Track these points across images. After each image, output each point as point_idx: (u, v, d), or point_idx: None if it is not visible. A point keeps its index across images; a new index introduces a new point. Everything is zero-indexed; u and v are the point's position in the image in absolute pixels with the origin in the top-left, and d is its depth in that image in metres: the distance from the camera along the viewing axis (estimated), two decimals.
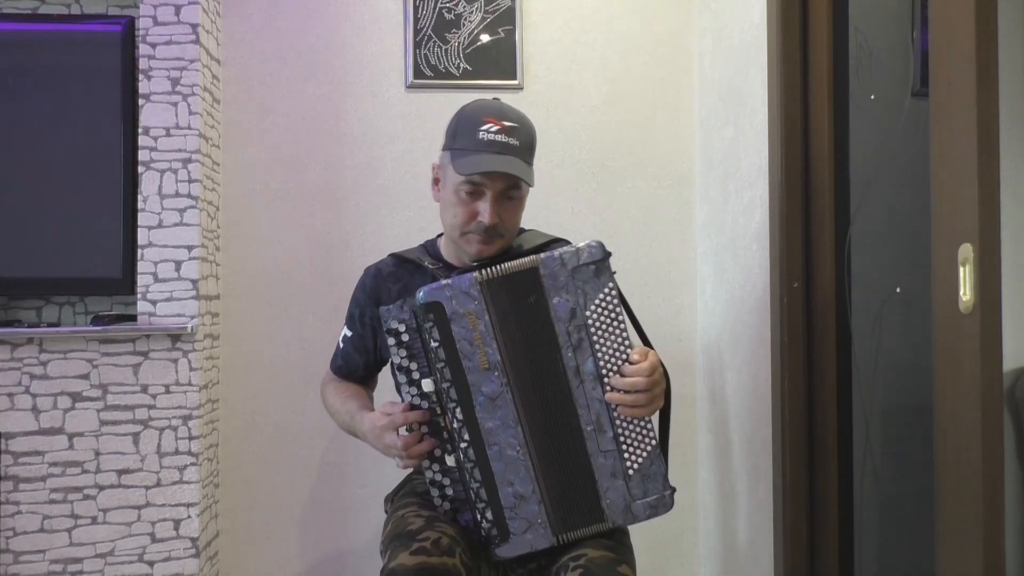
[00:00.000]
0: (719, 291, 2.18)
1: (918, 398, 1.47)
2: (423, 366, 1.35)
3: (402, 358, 1.35)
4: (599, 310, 1.33)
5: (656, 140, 2.38)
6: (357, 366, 1.66)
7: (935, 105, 1.20)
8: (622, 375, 1.33)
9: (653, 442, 1.35)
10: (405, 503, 1.48)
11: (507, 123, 1.48)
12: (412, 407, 1.36)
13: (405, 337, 1.35)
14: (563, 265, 1.33)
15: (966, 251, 1.11)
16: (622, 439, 1.34)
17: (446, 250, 1.61)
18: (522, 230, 1.67)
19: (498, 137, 1.46)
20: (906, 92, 1.57)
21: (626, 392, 1.32)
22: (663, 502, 1.35)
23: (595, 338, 1.33)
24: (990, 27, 1.11)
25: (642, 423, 1.35)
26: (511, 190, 1.48)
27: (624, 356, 1.33)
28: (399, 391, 1.44)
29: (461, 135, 1.50)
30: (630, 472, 1.34)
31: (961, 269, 1.11)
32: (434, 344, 1.32)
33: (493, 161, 1.44)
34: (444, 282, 1.33)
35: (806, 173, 1.79)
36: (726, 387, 2.14)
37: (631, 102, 2.38)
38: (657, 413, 1.40)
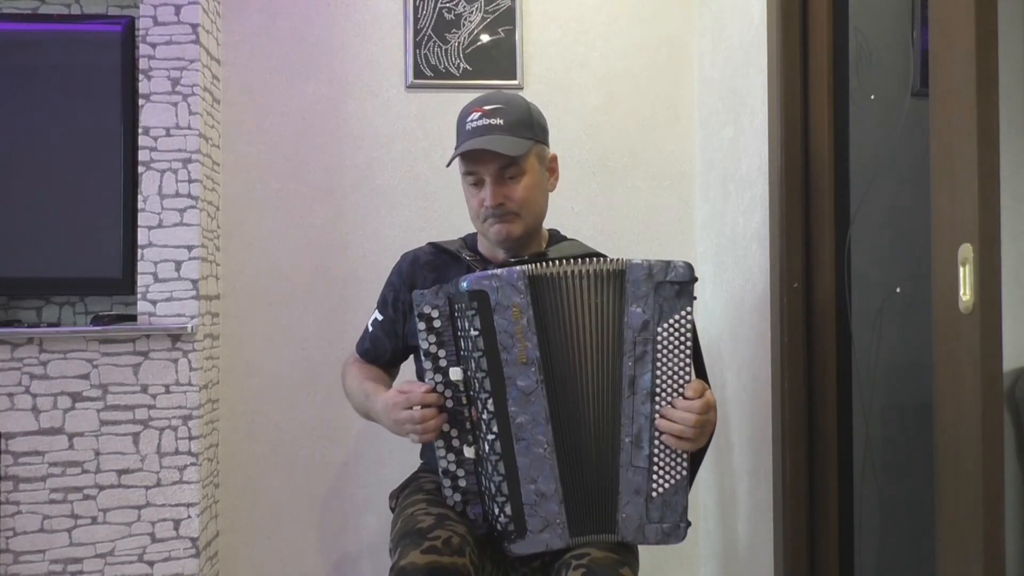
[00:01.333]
0: (719, 291, 2.18)
1: (918, 398, 1.47)
2: (451, 354, 1.35)
3: (431, 344, 1.35)
4: (671, 329, 1.33)
5: (656, 140, 2.38)
6: (385, 351, 1.66)
7: (935, 105, 1.20)
8: (674, 407, 1.33)
9: (683, 472, 1.35)
10: (413, 500, 1.47)
11: (489, 107, 1.51)
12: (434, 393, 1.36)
13: (437, 323, 1.34)
14: (649, 276, 1.32)
15: (966, 251, 1.11)
16: (655, 460, 1.34)
17: (481, 245, 1.63)
18: (563, 237, 1.68)
19: (480, 122, 1.49)
20: (906, 92, 1.57)
21: (674, 423, 1.32)
22: (676, 532, 1.36)
23: (659, 355, 1.33)
24: (990, 27, 1.11)
25: (678, 451, 1.35)
26: (507, 169, 1.49)
27: (682, 380, 1.34)
28: (421, 377, 1.43)
29: (457, 133, 1.53)
30: (653, 494, 1.34)
31: (961, 269, 1.11)
32: (473, 333, 1.32)
33: (471, 143, 1.46)
34: (491, 272, 1.34)
35: (806, 173, 1.79)
36: (726, 387, 2.13)
37: (631, 102, 2.38)
38: None
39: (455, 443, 1.37)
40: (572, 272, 1.34)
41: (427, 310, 1.35)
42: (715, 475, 2.24)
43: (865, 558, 1.68)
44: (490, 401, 1.33)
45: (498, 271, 1.34)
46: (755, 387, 1.94)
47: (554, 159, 1.58)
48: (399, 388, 1.40)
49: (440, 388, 1.35)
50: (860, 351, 1.68)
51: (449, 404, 1.36)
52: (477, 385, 1.33)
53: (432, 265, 1.61)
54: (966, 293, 1.11)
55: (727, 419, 2.14)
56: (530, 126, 1.52)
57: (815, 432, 1.77)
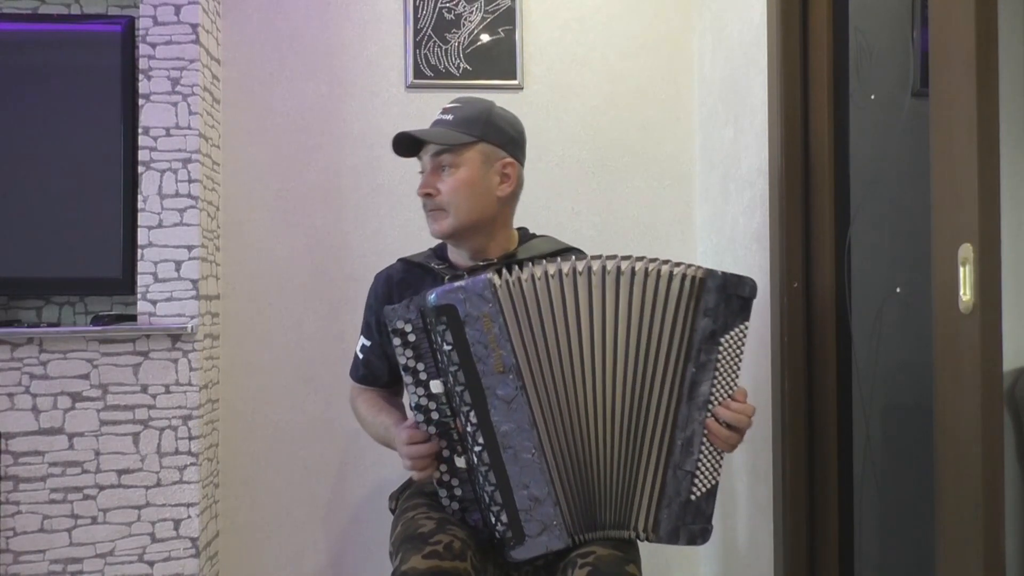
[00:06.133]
0: None
1: (918, 398, 1.47)
2: (431, 367, 1.34)
3: (408, 359, 1.34)
4: (730, 341, 1.34)
5: (656, 140, 2.38)
6: (381, 372, 1.65)
7: (935, 105, 1.20)
8: (728, 408, 1.34)
9: (718, 478, 1.37)
10: (414, 504, 1.47)
11: (450, 105, 1.56)
12: (418, 407, 1.35)
13: (412, 337, 1.33)
14: (723, 287, 1.33)
15: (966, 251, 1.11)
16: (700, 465, 1.35)
17: (450, 251, 1.62)
18: (533, 235, 1.68)
19: (436, 116, 1.56)
20: (906, 92, 1.57)
21: (725, 424, 1.34)
22: (704, 535, 1.36)
23: (718, 365, 1.34)
24: (990, 27, 1.11)
25: (719, 457, 1.36)
26: (441, 157, 1.52)
27: (731, 392, 1.35)
28: (406, 391, 1.43)
29: None
30: (692, 498, 1.35)
31: (961, 269, 1.11)
32: (447, 347, 1.30)
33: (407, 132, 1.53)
34: (457, 284, 1.31)
35: (806, 173, 1.79)
36: None
37: (631, 102, 2.38)
38: None
39: (445, 453, 1.36)
40: (552, 272, 1.32)
41: (400, 325, 1.33)
42: None
43: (865, 558, 1.68)
44: (472, 413, 1.31)
45: (464, 282, 1.31)
46: (755, 387, 1.94)
47: (509, 165, 1.55)
48: (408, 436, 1.36)
49: (424, 401, 1.35)
50: (860, 351, 1.68)
51: (435, 416, 1.35)
52: (458, 398, 1.32)
53: (406, 282, 1.61)
54: (966, 293, 1.11)
55: None
56: (480, 125, 1.52)
57: (815, 432, 1.77)
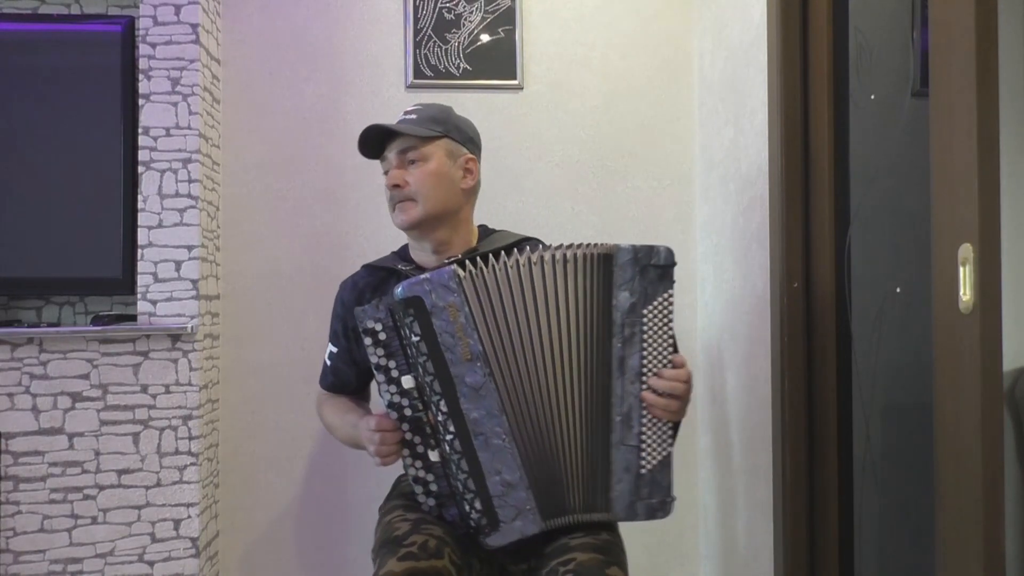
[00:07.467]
0: (719, 291, 2.18)
1: (918, 398, 1.47)
2: (402, 363, 1.36)
3: (380, 357, 1.36)
4: (655, 311, 1.36)
5: (656, 140, 2.38)
6: (349, 379, 1.69)
7: (935, 105, 1.20)
8: (660, 377, 1.36)
9: (669, 449, 1.37)
10: (391, 507, 1.49)
11: (411, 107, 1.64)
12: (391, 405, 1.37)
13: (382, 336, 1.36)
14: (635, 260, 1.35)
15: (966, 251, 1.11)
16: (644, 437, 1.36)
17: (414, 253, 1.66)
18: (492, 231, 1.70)
19: (400, 117, 1.63)
20: (906, 92, 1.57)
21: (661, 394, 1.35)
22: (664, 507, 1.37)
23: (645, 336, 1.36)
24: (990, 27, 1.11)
25: (664, 427, 1.37)
26: (408, 153, 1.57)
27: (666, 361, 1.37)
28: (379, 390, 1.45)
29: None
30: (642, 471, 1.36)
31: (961, 269, 1.11)
32: (415, 338, 1.33)
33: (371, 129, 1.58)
34: (423, 276, 1.35)
35: (806, 173, 1.79)
36: (726, 387, 2.14)
37: (631, 102, 2.38)
38: None
39: (419, 448, 1.38)
40: (511, 263, 1.36)
41: (370, 324, 1.36)
42: (715, 474, 2.24)
43: (865, 558, 1.68)
44: (442, 402, 1.34)
45: (429, 274, 1.35)
46: (755, 387, 1.94)
47: (471, 161, 1.62)
48: (378, 426, 1.39)
49: (396, 399, 1.37)
50: (860, 351, 1.68)
51: (408, 413, 1.37)
52: (428, 389, 1.35)
53: (372, 286, 1.65)
54: (966, 293, 1.11)
55: (727, 418, 2.14)
56: (441, 123, 1.60)
57: (815, 432, 1.77)
